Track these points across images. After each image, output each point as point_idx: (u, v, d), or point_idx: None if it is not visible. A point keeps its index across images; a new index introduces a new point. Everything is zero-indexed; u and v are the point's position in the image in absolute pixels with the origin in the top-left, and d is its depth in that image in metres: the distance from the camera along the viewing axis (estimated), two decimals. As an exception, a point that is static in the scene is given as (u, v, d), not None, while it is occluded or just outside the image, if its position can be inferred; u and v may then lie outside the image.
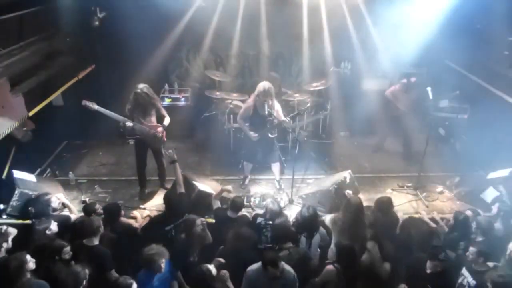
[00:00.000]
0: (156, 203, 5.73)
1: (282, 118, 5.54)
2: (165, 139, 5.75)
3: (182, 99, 7.55)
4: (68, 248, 3.83)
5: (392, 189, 6.17)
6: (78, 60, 6.89)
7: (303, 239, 4.22)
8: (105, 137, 7.30)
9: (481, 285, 3.59)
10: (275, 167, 6.01)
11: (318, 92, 7.33)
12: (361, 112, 7.55)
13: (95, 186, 6.17)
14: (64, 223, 4.53)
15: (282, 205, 5.62)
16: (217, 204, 4.81)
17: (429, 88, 5.87)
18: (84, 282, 3.54)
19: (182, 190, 4.73)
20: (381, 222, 4.51)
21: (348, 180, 5.41)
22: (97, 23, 6.74)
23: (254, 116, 5.58)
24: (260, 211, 4.84)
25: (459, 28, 6.60)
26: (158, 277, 3.70)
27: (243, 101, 6.96)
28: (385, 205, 4.60)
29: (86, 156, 7.11)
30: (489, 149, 6.27)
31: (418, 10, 6.80)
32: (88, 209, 4.63)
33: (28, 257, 3.53)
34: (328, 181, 5.59)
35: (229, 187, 5.14)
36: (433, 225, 4.90)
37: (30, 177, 5.48)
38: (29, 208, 4.97)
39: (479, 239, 4.24)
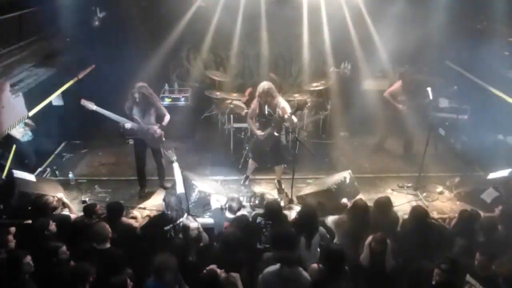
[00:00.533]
0: (156, 203, 5.73)
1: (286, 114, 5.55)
2: (164, 139, 5.75)
3: (182, 99, 7.55)
4: (64, 248, 3.83)
5: (392, 189, 6.17)
6: (78, 60, 6.89)
7: (302, 239, 4.22)
8: (104, 137, 7.30)
9: None
10: (279, 169, 6.02)
11: (318, 92, 7.34)
12: (361, 112, 7.57)
13: (95, 186, 6.16)
14: (64, 223, 4.53)
15: (282, 204, 5.64)
16: (216, 205, 4.79)
17: (429, 89, 5.87)
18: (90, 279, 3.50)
19: (182, 190, 4.73)
20: (381, 222, 4.50)
21: (348, 180, 5.40)
22: (97, 23, 6.75)
23: (260, 116, 5.62)
24: (260, 211, 4.83)
25: (459, 28, 6.61)
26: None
27: (243, 101, 6.98)
28: (384, 206, 4.58)
29: (86, 156, 7.11)
30: (489, 149, 6.28)
31: (418, 10, 6.82)
32: (88, 209, 4.64)
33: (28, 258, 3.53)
34: (328, 181, 5.58)
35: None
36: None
37: (30, 177, 5.48)
38: (29, 208, 4.98)
39: (481, 239, 4.24)
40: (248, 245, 4.11)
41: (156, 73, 7.41)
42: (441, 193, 6.03)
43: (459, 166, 6.64)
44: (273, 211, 4.43)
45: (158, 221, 4.45)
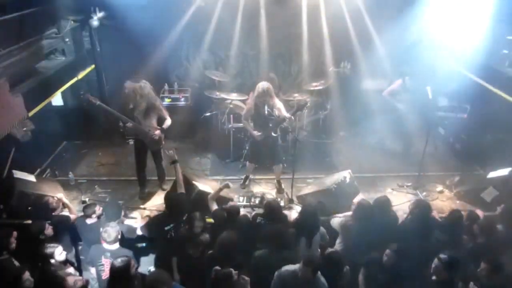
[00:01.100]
0: (156, 203, 5.73)
1: (286, 115, 5.55)
2: (163, 142, 5.75)
3: (182, 99, 7.55)
4: (60, 249, 3.84)
5: (392, 189, 6.18)
6: (78, 60, 6.88)
7: (303, 239, 4.22)
8: (104, 137, 7.30)
9: None
10: (278, 168, 6.02)
11: (317, 92, 7.33)
12: (360, 112, 7.57)
13: (95, 186, 6.17)
14: (64, 223, 4.53)
15: (282, 204, 5.65)
16: (214, 205, 4.79)
17: (428, 88, 5.87)
18: None
19: (183, 190, 4.73)
20: (381, 222, 4.49)
21: (348, 180, 5.41)
22: (96, 23, 6.74)
23: (256, 116, 5.60)
24: (260, 211, 4.83)
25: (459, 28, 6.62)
26: None
27: (242, 101, 6.98)
28: (383, 205, 4.57)
29: (86, 156, 7.11)
30: (488, 148, 6.28)
31: (418, 10, 6.82)
32: (88, 209, 4.64)
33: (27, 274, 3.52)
34: (328, 181, 5.59)
35: (228, 183, 5.09)
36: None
37: (29, 177, 5.48)
38: (29, 208, 4.98)
39: (481, 240, 4.24)
40: (248, 246, 4.12)
41: (155, 73, 7.40)
42: (441, 192, 6.04)
43: (459, 165, 6.65)
44: (272, 211, 4.43)
45: (159, 221, 4.46)
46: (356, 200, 4.96)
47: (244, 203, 5.68)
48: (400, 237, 4.21)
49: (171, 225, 4.30)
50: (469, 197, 5.74)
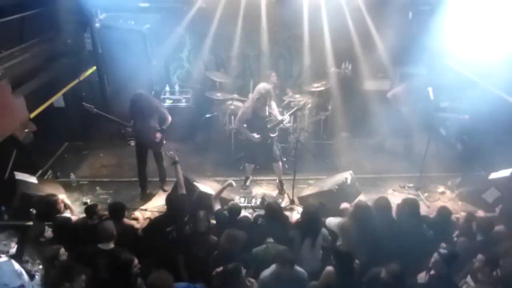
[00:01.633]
0: (157, 204, 5.73)
1: (279, 116, 5.58)
2: (164, 142, 5.75)
3: (183, 100, 7.56)
4: (63, 250, 3.84)
5: (394, 190, 6.17)
6: (79, 62, 6.90)
7: (305, 240, 4.21)
8: (106, 139, 7.31)
9: None
10: (277, 167, 6.01)
11: (319, 93, 7.33)
12: (362, 113, 7.57)
13: (96, 188, 6.17)
14: (65, 224, 4.53)
15: (283, 205, 5.65)
16: (217, 206, 4.80)
17: (430, 89, 5.87)
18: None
19: (184, 191, 4.73)
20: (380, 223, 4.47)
21: (349, 181, 5.40)
22: (98, 24, 6.76)
23: (253, 118, 5.58)
24: (262, 212, 4.83)
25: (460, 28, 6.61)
26: None
27: (244, 102, 6.97)
28: (383, 207, 4.52)
29: (87, 157, 7.12)
30: (490, 149, 6.26)
31: (419, 10, 6.82)
32: (89, 210, 4.64)
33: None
34: (329, 182, 5.58)
35: (231, 181, 5.10)
36: None
37: (31, 178, 5.49)
38: (31, 209, 4.99)
39: (479, 238, 4.27)
40: (250, 247, 4.12)
41: (157, 75, 7.43)
42: (442, 193, 6.03)
43: (461, 166, 6.63)
44: (273, 213, 4.43)
45: (160, 223, 4.45)
46: (343, 205, 4.95)
47: (245, 204, 5.67)
48: (399, 237, 4.21)
49: (173, 226, 4.30)
50: (471, 198, 5.73)
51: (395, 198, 5.91)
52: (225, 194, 5.35)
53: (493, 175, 5.66)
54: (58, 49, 6.45)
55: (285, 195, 5.98)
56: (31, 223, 4.81)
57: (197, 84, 8.15)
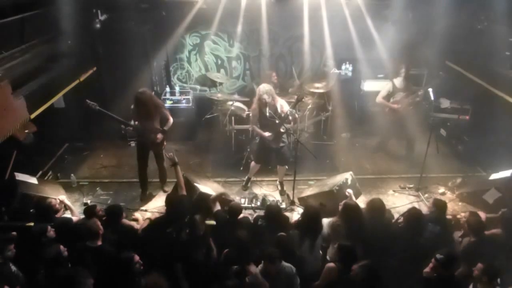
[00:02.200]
0: (157, 205, 5.73)
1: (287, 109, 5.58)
2: (165, 143, 5.75)
3: (184, 101, 7.57)
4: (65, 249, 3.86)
5: (394, 191, 6.16)
6: (80, 63, 6.90)
7: (306, 240, 4.21)
8: (106, 139, 7.31)
9: None
10: (281, 169, 6.01)
11: (319, 93, 7.33)
12: (362, 114, 7.57)
13: (97, 188, 6.17)
14: (66, 225, 4.53)
15: (283, 206, 5.65)
16: (217, 207, 4.79)
17: (430, 89, 5.87)
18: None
19: (184, 192, 4.73)
20: (375, 224, 4.47)
21: (349, 182, 5.40)
22: (98, 25, 6.77)
23: (261, 118, 5.60)
24: (262, 213, 4.83)
25: (460, 29, 6.61)
26: None
27: (244, 103, 6.99)
28: (377, 208, 4.49)
29: (88, 158, 7.12)
30: (491, 150, 6.26)
31: (419, 11, 6.82)
32: (89, 211, 4.64)
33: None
34: (329, 183, 5.58)
35: (223, 191, 5.12)
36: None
37: (31, 179, 5.49)
38: (31, 210, 4.99)
39: (472, 239, 4.28)
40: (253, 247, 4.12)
41: (157, 75, 7.44)
42: (443, 194, 6.02)
43: (461, 167, 6.63)
44: (273, 214, 4.42)
45: (160, 223, 4.45)
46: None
47: (246, 205, 5.67)
48: (392, 238, 4.24)
49: (173, 227, 4.30)
50: (471, 199, 5.72)
51: (396, 199, 5.93)
52: (225, 195, 5.34)
53: (494, 176, 5.66)
54: (58, 50, 6.45)
55: (286, 195, 5.98)
56: (31, 224, 4.81)
57: (198, 84, 8.16)
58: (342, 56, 7.73)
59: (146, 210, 5.61)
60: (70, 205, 5.14)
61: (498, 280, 3.66)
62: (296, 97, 5.67)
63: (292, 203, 5.73)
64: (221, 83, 7.64)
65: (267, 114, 5.46)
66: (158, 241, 4.21)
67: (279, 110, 5.51)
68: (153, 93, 6.12)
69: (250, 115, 5.82)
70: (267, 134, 5.60)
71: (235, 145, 7.05)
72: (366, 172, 6.70)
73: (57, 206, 4.88)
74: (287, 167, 6.35)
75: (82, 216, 4.89)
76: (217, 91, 7.80)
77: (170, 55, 7.69)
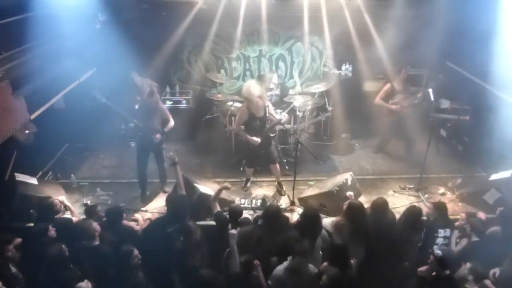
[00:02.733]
0: (157, 205, 5.73)
1: (276, 116, 5.60)
2: (164, 145, 5.75)
3: (184, 101, 7.57)
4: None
5: (394, 191, 6.16)
6: (80, 63, 6.90)
7: (306, 242, 4.21)
8: (106, 140, 7.31)
9: None
10: (274, 168, 5.99)
11: (319, 94, 7.33)
12: (362, 114, 7.56)
13: (97, 189, 6.17)
14: (66, 225, 4.54)
15: (283, 206, 5.64)
16: (216, 207, 4.79)
17: (430, 90, 5.86)
18: None
19: (183, 192, 4.73)
20: (378, 224, 4.47)
21: (349, 182, 5.39)
22: (98, 26, 6.77)
23: (250, 120, 5.56)
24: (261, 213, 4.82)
25: (460, 29, 6.60)
26: None
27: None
28: (380, 207, 4.51)
29: (88, 158, 7.12)
30: (491, 150, 6.25)
31: (419, 11, 6.81)
32: (89, 211, 4.65)
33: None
34: (329, 183, 5.58)
35: (226, 184, 5.11)
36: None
37: (32, 179, 5.49)
38: (31, 211, 4.99)
39: (474, 239, 4.32)
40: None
41: (157, 76, 7.42)
42: (443, 194, 6.02)
43: (461, 167, 6.63)
44: (272, 216, 4.41)
45: (160, 224, 4.45)
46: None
47: (246, 205, 5.67)
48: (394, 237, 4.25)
49: (173, 227, 4.30)
50: (472, 199, 5.72)
51: (396, 199, 5.93)
52: (225, 195, 5.35)
53: (494, 176, 5.66)
54: (58, 51, 6.45)
55: (286, 196, 5.98)
56: (31, 224, 4.82)
57: (198, 85, 8.16)
58: (342, 56, 7.72)
59: (146, 211, 5.61)
60: (70, 205, 5.14)
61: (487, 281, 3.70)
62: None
63: (292, 203, 5.73)
64: (221, 84, 7.64)
65: (263, 114, 5.45)
66: (158, 242, 4.22)
67: (267, 112, 5.51)
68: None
69: (236, 116, 5.72)
70: (255, 138, 5.57)
71: (235, 146, 7.05)
72: (366, 173, 6.70)
73: (59, 206, 4.88)
74: (287, 167, 6.37)
75: (82, 217, 4.90)
76: (217, 92, 7.80)
77: (170, 55, 7.68)
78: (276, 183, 6.18)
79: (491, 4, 5.88)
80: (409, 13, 6.89)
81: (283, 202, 5.82)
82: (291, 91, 7.62)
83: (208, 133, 7.60)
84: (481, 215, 4.79)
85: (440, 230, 4.43)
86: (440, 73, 7.26)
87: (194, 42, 7.96)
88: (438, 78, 6.79)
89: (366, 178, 6.46)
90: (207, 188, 5.42)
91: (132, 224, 4.97)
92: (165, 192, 5.97)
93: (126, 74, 6.53)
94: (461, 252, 4.32)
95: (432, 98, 5.81)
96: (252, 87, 5.39)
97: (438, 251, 3.74)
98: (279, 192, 6.08)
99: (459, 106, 7.17)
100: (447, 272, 3.71)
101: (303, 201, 5.70)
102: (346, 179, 5.38)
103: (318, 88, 7.18)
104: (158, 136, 5.54)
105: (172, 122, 5.64)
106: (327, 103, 7.47)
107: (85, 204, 5.61)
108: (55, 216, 4.76)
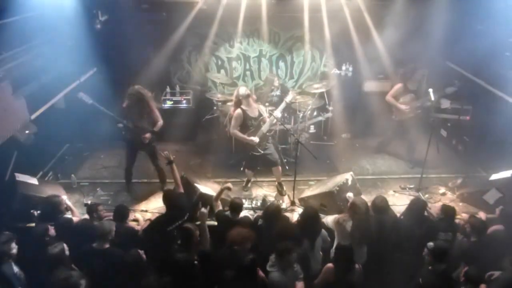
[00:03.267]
0: (158, 206, 5.73)
1: (266, 116, 5.65)
2: (154, 144, 5.75)
3: (184, 101, 7.57)
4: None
5: (394, 191, 6.16)
6: (80, 63, 6.91)
7: (305, 242, 4.21)
8: (106, 140, 7.31)
9: None
10: (276, 170, 5.99)
11: (319, 94, 7.34)
12: (362, 114, 7.56)
13: (97, 189, 6.17)
14: (66, 225, 4.54)
15: (284, 207, 5.64)
16: (218, 207, 4.80)
17: (430, 90, 5.85)
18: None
19: (181, 190, 4.73)
20: (378, 223, 4.48)
21: (350, 182, 5.39)
22: (98, 26, 6.77)
23: (246, 120, 5.55)
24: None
25: (461, 29, 6.61)
26: None
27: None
28: (381, 206, 4.52)
29: (88, 158, 7.12)
30: (491, 150, 6.26)
31: (419, 11, 6.82)
32: (91, 209, 4.66)
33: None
34: (330, 183, 5.57)
35: (229, 184, 5.11)
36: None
37: (32, 180, 5.49)
38: (32, 211, 4.98)
39: (473, 239, 4.32)
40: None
41: (157, 76, 7.43)
42: (443, 194, 6.01)
43: (462, 167, 6.62)
44: (271, 216, 4.42)
45: (161, 223, 4.44)
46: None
47: (246, 205, 5.67)
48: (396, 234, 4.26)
49: (174, 225, 4.29)
50: (472, 199, 5.72)
51: (396, 199, 5.92)
52: (225, 196, 5.34)
53: (494, 176, 5.65)
54: (58, 51, 6.45)
55: (286, 196, 5.98)
56: (32, 224, 4.81)
57: (198, 85, 8.16)
58: (342, 56, 7.72)
59: (146, 211, 5.61)
60: (71, 205, 5.14)
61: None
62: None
63: (293, 203, 5.73)
64: (221, 84, 7.64)
65: (256, 114, 5.47)
66: (158, 241, 4.22)
67: (258, 113, 5.56)
68: (153, 93, 6.13)
69: (232, 119, 5.64)
70: (254, 138, 5.55)
71: (235, 146, 7.05)
72: (367, 173, 6.70)
73: (64, 206, 4.87)
74: (287, 168, 6.37)
75: (83, 217, 4.90)
76: (217, 92, 7.79)
77: (170, 56, 7.68)
78: (276, 183, 6.18)
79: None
80: (409, 12, 6.90)
81: (283, 203, 5.82)
82: (291, 92, 7.59)
83: (208, 133, 7.60)
84: (482, 215, 4.79)
85: (441, 233, 4.41)
86: (440, 73, 7.29)
87: (194, 42, 7.96)
88: (455, 84, 6.81)
89: (367, 178, 6.46)
90: (207, 188, 5.42)
91: (133, 224, 4.97)
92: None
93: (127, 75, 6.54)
94: (460, 252, 4.31)
95: (432, 98, 5.80)
96: (240, 89, 5.51)
97: (430, 243, 3.79)
98: (280, 192, 6.08)
99: (460, 106, 7.16)
100: (443, 266, 3.75)
101: (303, 201, 5.69)
102: (347, 179, 5.38)
103: (318, 88, 7.18)
104: (148, 135, 5.54)
105: (161, 122, 5.66)
106: (327, 103, 7.48)
107: (86, 204, 5.59)
108: (59, 216, 4.76)
